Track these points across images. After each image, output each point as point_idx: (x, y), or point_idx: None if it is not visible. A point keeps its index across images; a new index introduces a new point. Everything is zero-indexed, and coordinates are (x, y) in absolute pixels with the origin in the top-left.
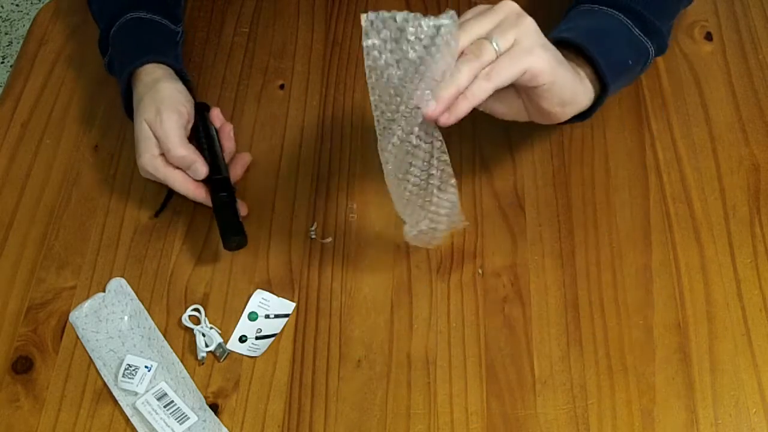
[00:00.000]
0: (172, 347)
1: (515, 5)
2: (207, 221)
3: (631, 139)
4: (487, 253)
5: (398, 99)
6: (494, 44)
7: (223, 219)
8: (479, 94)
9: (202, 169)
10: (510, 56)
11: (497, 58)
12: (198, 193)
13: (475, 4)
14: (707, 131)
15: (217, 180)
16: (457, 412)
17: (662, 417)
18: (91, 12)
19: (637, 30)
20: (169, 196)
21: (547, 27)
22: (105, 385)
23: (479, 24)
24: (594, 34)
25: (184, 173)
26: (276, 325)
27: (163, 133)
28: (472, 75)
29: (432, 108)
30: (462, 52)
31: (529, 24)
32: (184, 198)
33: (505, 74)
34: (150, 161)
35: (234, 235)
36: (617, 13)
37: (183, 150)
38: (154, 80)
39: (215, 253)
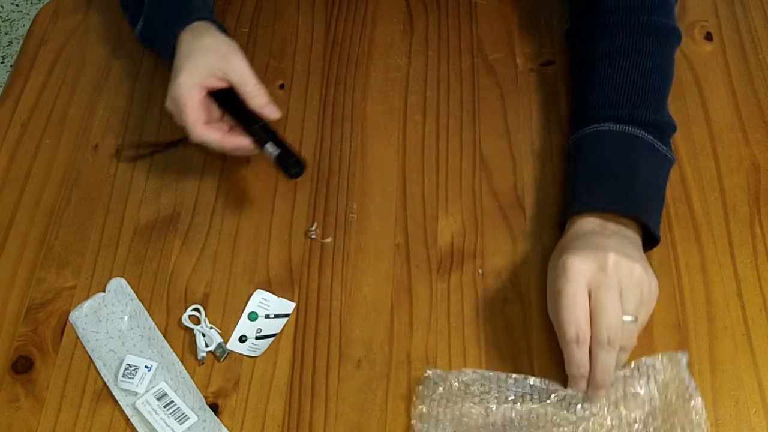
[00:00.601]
0: (172, 347)
1: (654, 285)
2: (207, 221)
3: None
4: (487, 253)
5: None
6: (636, 327)
7: (283, 150)
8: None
9: (275, 110)
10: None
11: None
12: (215, 136)
13: (476, 4)
14: (707, 131)
15: (262, 126)
16: None
17: None
18: None
19: (658, 144)
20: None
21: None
22: (105, 385)
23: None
24: (640, 194)
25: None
26: (276, 325)
27: (241, 68)
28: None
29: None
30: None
31: (655, 298)
32: (185, 196)
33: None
34: (188, 85)
35: (297, 159)
36: (641, 132)
37: (261, 86)
38: (209, 29)
39: (215, 253)
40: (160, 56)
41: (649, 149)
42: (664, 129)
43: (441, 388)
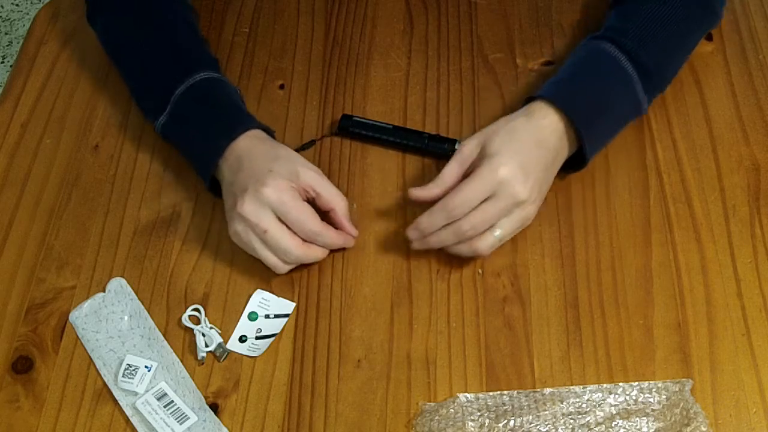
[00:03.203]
0: (172, 347)
1: (520, 194)
2: (207, 221)
3: (631, 139)
4: None
5: None
6: (496, 235)
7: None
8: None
9: (352, 228)
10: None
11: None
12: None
13: (476, 3)
14: (707, 131)
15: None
16: None
17: None
18: (121, 66)
19: (640, 88)
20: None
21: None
22: (105, 385)
23: (488, 214)
24: (597, 107)
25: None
26: (276, 325)
27: (325, 184)
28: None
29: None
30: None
31: (531, 216)
32: (185, 196)
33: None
34: (284, 190)
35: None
36: (628, 65)
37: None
38: (266, 140)
39: (215, 253)
40: (181, 150)
41: (627, 86)
42: (653, 80)
43: (438, 416)
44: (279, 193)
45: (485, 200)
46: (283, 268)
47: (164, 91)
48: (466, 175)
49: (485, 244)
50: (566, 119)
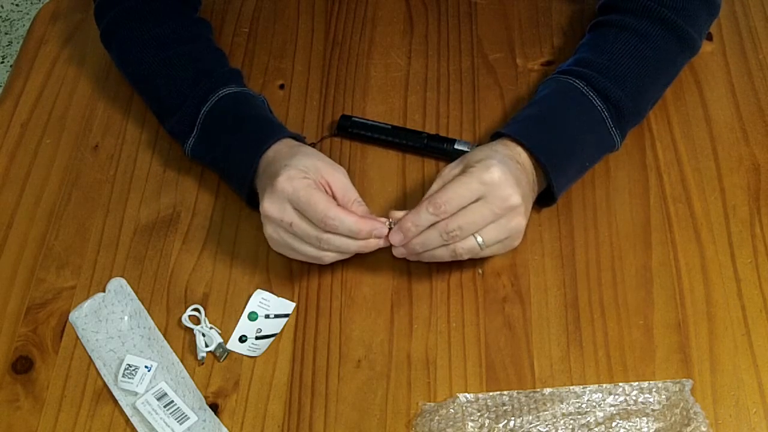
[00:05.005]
0: (172, 347)
1: (511, 198)
2: (207, 221)
3: (631, 139)
4: None
5: None
6: (479, 241)
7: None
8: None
9: (380, 227)
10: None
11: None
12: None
13: (476, 3)
14: (707, 131)
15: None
16: None
17: None
18: (147, 97)
19: (611, 125)
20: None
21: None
22: (105, 385)
23: (477, 215)
24: (566, 148)
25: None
26: (276, 325)
27: (345, 182)
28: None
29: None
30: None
31: (520, 228)
32: (185, 196)
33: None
34: (299, 177)
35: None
36: (599, 103)
37: (363, 203)
38: (293, 146)
39: (215, 253)
40: (215, 170)
41: (598, 124)
42: (625, 114)
43: (438, 416)
44: (291, 182)
45: (474, 202)
46: (328, 257)
47: (190, 113)
48: None
49: (465, 245)
50: (536, 159)
